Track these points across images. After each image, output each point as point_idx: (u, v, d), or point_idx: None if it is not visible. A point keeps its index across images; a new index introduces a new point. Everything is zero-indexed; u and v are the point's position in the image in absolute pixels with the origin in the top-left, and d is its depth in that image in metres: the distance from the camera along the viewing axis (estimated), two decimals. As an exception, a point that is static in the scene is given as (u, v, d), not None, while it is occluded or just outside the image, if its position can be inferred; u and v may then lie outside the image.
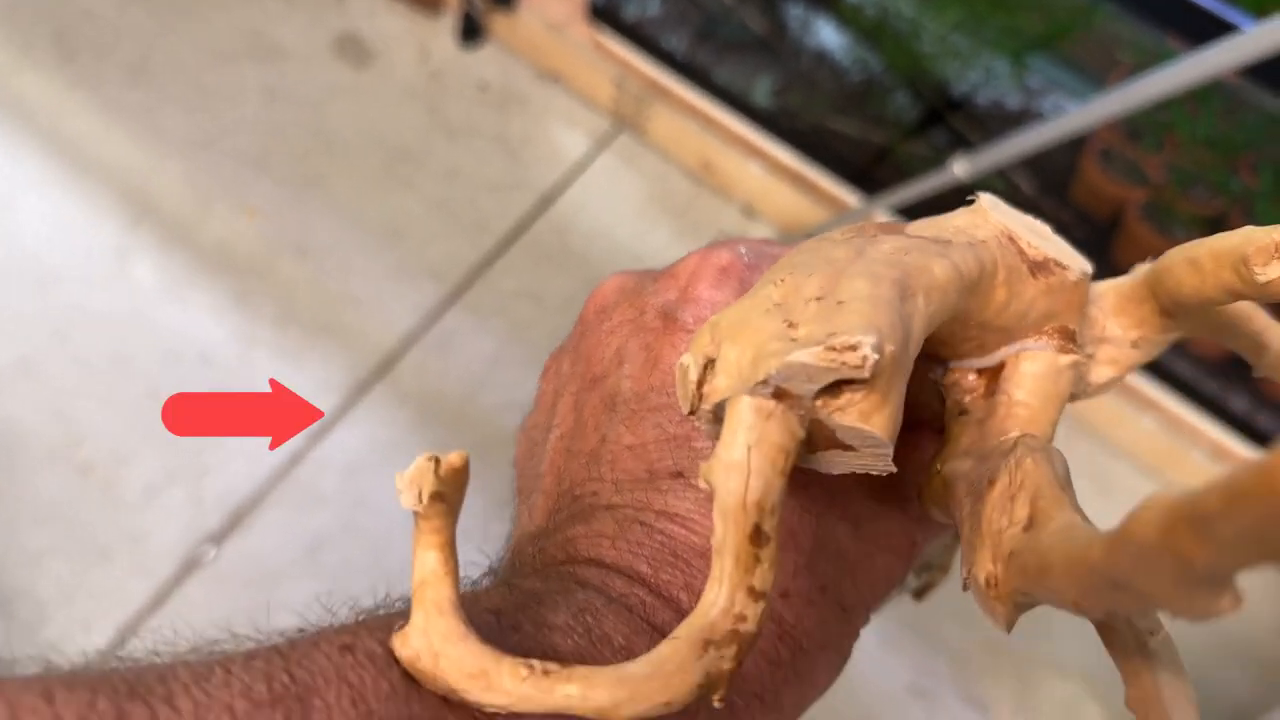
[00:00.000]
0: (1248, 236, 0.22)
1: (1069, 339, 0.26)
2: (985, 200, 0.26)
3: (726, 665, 0.19)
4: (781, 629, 0.26)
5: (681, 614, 0.23)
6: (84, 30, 1.48)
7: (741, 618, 0.19)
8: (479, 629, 0.20)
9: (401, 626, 0.20)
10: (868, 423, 0.20)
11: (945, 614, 1.25)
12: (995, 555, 0.20)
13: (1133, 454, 1.40)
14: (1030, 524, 0.19)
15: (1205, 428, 1.35)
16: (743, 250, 0.31)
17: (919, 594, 0.41)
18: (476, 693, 0.19)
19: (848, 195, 1.43)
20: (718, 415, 0.21)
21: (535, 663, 0.19)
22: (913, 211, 1.16)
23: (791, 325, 0.20)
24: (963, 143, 1.45)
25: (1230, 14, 1.02)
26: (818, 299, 0.21)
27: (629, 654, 0.22)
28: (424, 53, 1.54)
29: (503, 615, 0.22)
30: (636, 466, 0.27)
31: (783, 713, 0.26)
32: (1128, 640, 0.20)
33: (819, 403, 0.20)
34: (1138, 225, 1.36)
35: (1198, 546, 0.12)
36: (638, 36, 1.47)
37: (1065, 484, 0.20)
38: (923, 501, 0.27)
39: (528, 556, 0.27)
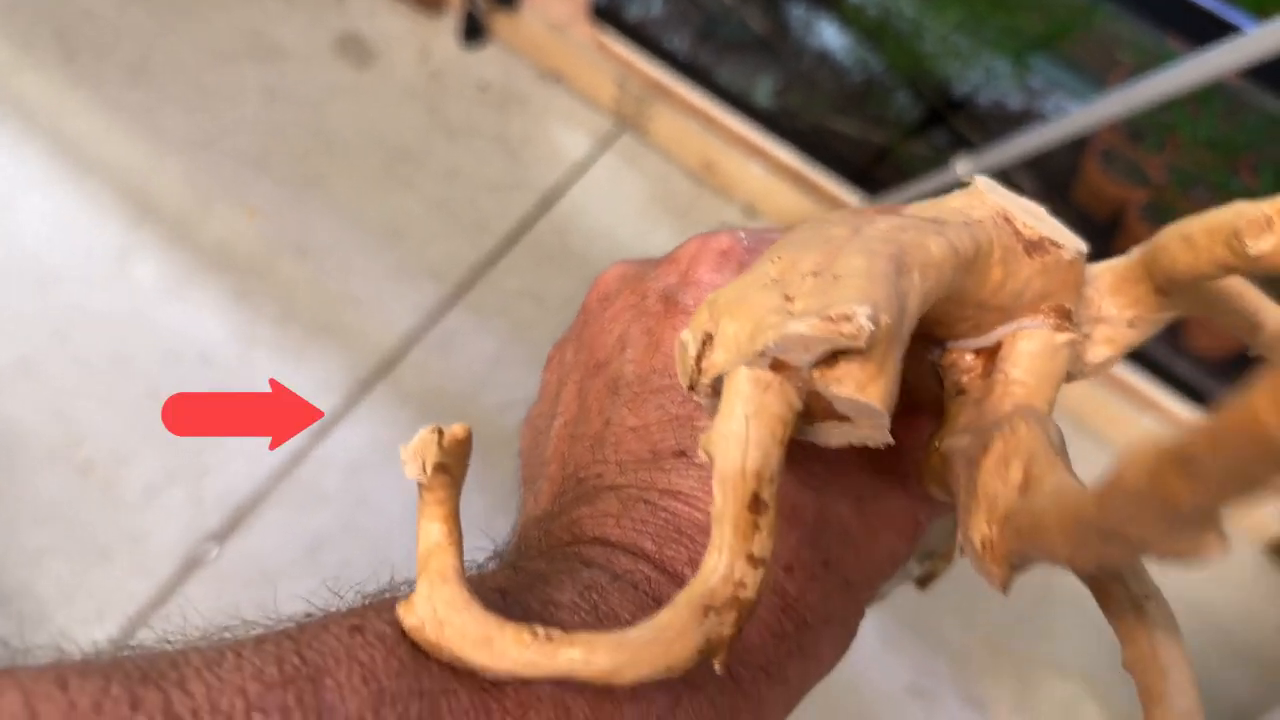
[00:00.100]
0: (1239, 211, 0.23)
1: (1065, 318, 0.26)
2: (981, 182, 0.27)
3: (726, 631, 0.19)
4: (785, 602, 0.26)
5: None
6: (84, 30, 1.48)
7: (741, 584, 0.19)
8: (486, 607, 0.20)
9: (408, 596, 0.20)
10: (864, 393, 0.20)
11: (945, 613, 1.25)
12: (990, 518, 0.20)
13: (1133, 454, 1.40)
14: (1025, 486, 0.19)
15: (1206, 428, 1.35)
16: (742, 235, 0.31)
17: (923, 583, 0.41)
18: (481, 659, 0.19)
19: (849, 195, 1.43)
20: (716, 389, 0.21)
21: (539, 628, 0.19)
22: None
23: (789, 299, 0.21)
24: (964, 143, 1.45)
25: (1231, 15, 1.03)
26: (814, 274, 0.21)
27: None
28: (425, 53, 1.54)
29: (509, 594, 0.22)
30: (640, 447, 0.28)
31: (788, 686, 0.26)
32: (1124, 604, 0.20)
33: (816, 374, 0.20)
34: (1139, 225, 1.36)
35: (1184, 487, 0.12)
36: (640, 36, 1.48)
37: (1060, 449, 0.20)
38: (922, 480, 0.27)
39: (533, 539, 0.28)
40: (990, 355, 0.27)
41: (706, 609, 0.19)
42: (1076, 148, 1.42)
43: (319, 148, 1.44)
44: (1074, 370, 0.28)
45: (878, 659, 1.22)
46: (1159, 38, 1.39)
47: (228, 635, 0.20)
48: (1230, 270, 0.23)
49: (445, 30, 1.56)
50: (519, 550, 0.28)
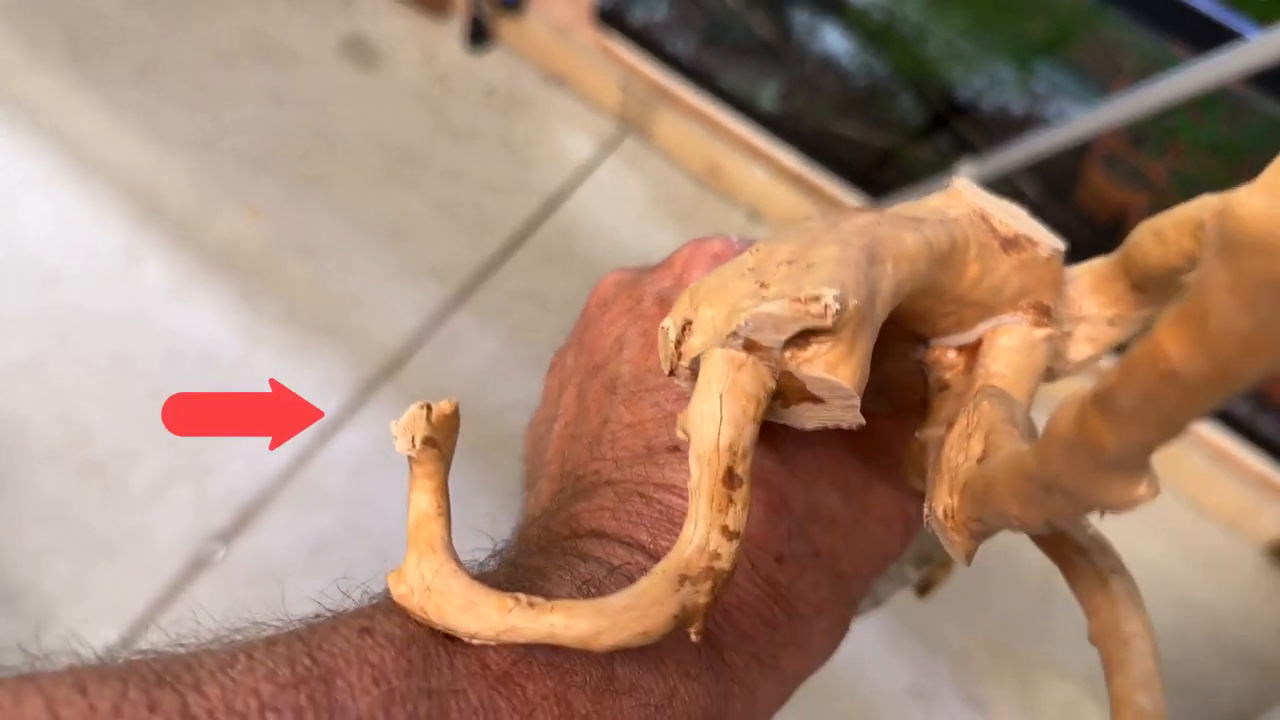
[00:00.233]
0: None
1: (1043, 314, 0.27)
2: (959, 183, 0.27)
3: (702, 600, 0.20)
4: (776, 592, 0.27)
5: None
6: (91, 31, 1.49)
7: (716, 555, 0.20)
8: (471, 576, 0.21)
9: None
10: (834, 373, 0.21)
11: (946, 614, 1.26)
12: (952, 488, 0.21)
13: (1135, 457, 1.41)
14: (983, 457, 0.20)
15: (1206, 432, 1.36)
16: (734, 239, 0.33)
17: (922, 590, 0.41)
18: (466, 624, 0.20)
19: (853, 199, 1.44)
20: (695, 372, 0.22)
21: (521, 595, 0.20)
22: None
23: (763, 286, 0.22)
24: (968, 147, 1.46)
25: (1234, 22, 1.03)
26: (789, 263, 0.22)
27: None
28: (430, 56, 1.55)
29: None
30: (635, 443, 0.29)
31: (781, 675, 0.27)
32: (1090, 579, 0.21)
33: (788, 354, 0.21)
34: (1140, 229, 1.36)
35: (1106, 428, 0.13)
36: (644, 40, 1.49)
37: (1023, 427, 0.21)
38: (905, 471, 0.28)
39: (532, 537, 0.28)
40: (972, 351, 0.28)
41: (682, 578, 0.20)
42: (1079, 152, 1.42)
43: (324, 149, 1.45)
44: (1057, 367, 0.29)
45: (879, 660, 1.22)
46: (1162, 44, 1.39)
47: (239, 637, 0.21)
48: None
49: (450, 34, 1.57)
50: (519, 548, 0.28)
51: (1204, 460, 1.37)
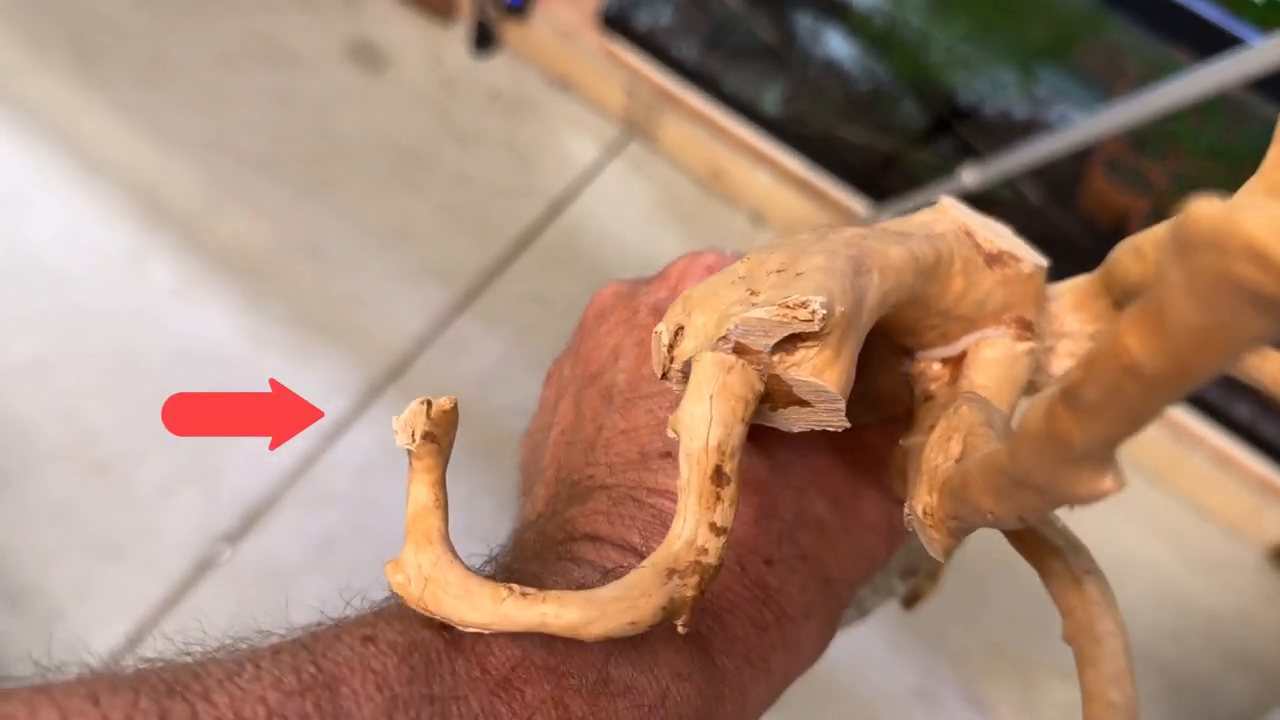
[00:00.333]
0: None
1: (1026, 328, 0.28)
2: (945, 201, 0.29)
3: (689, 593, 0.21)
4: (766, 594, 0.28)
5: None
6: (97, 33, 1.49)
7: (703, 550, 0.21)
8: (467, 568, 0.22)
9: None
10: (821, 377, 0.22)
11: (948, 616, 1.26)
12: (931, 487, 0.22)
13: (1137, 460, 1.41)
14: (961, 457, 0.21)
15: (1208, 435, 1.36)
16: (728, 252, 0.34)
17: (909, 603, 0.42)
18: (460, 612, 0.21)
19: (856, 203, 1.44)
20: (686, 374, 0.23)
21: (514, 585, 0.21)
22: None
23: (754, 293, 0.23)
24: (970, 151, 1.46)
25: (1236, 28, 1.04)
26: (779, 271, 0.23)
27: None
28: (436, 60, 1.56)
29: None
30: (629, 449, 0.29)
31: (771, 676, 0.28)
32: (1065, 579, 0.22)
33: (776, 359, 0.22)
34: (1142, 233, 1.37)
35: (1073, 422, 0.14)
36: (648, 45, 1.49)
37: (998, 428, 0.22)
38: (890, 477, 0.29)
39: (528, 542, 0.29)
40: (957, 364, 0.29)
41: (671, 572, 0.21)
42: (1081, 157, 1.43)
43: (329, 152, 1.46)
44: (1039, 380, 0.30)
45: (881, 661, 1.23)
46: (1164, 49, 1.40)
47: (244, 645, 0.21)
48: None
49: (456, 38, 1.58)
50: (514, 554, 0.29)
51: (1206, 463, 1.37)
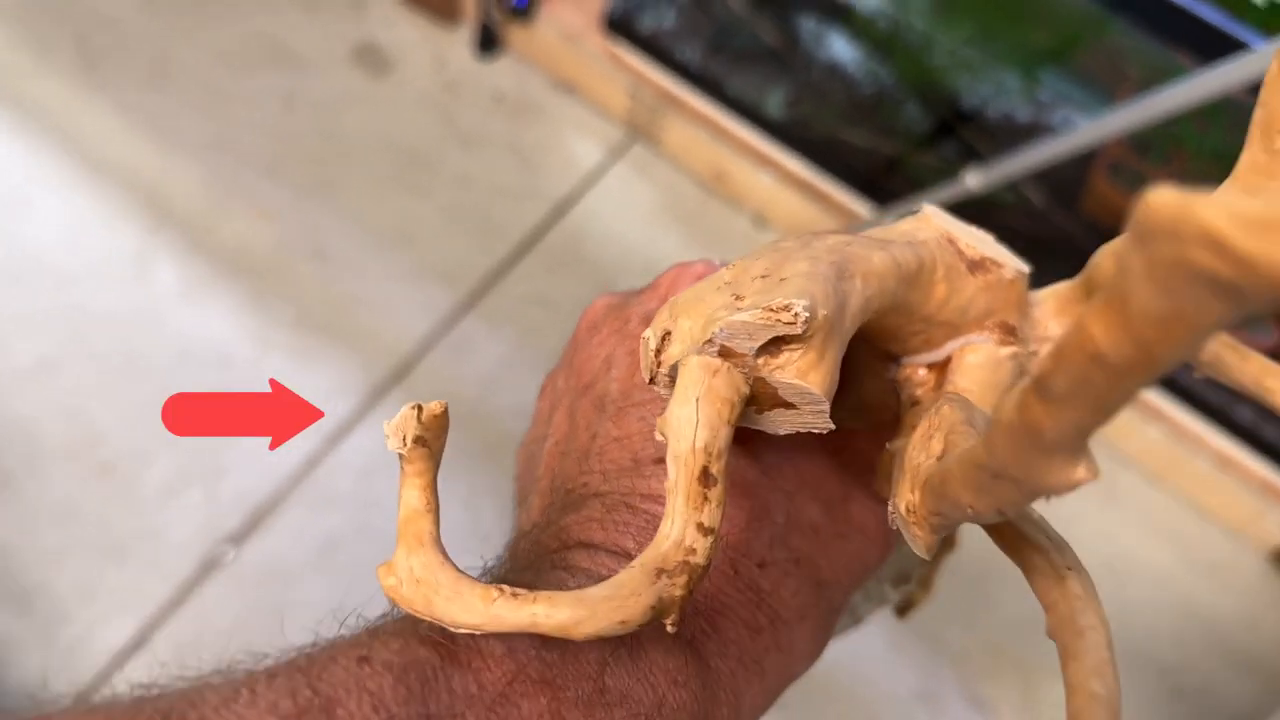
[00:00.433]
0: None
1: (1009, 333, 0.29)
2: (928, 209, 0.29)
3: (678, 592, 0.21)
4: (760, 597, 0.28)
5: None
6: (103, 35, 1.50)
7: (691, 550, 0.21)
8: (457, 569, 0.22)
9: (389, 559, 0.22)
10: (805, 379, 0.23)
11: (949, 617, 1.26)
12: (913, 485, 0.22)
13: (1139, 462, 1.41)
14: (943, 455, 0.21)
15: (1210, 437, 1.36)
16: (717, 262, 0.34)
17: (901, 610, 0.42)
18: (452, 613, 0.21)
19: (858, 206, 1.44)
20: (673, 378, 0.24)
21: (505, 586, 0.21)
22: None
23: (738, 298, 0.23)
24: (973, 155, 1.46)
25: (1239, 32, 1.04)
26: (763, 277, 0.24)
27: None
28: (441, 63, 1.57)
29: None
30: (622, 456, 0.30)
31: (765, 679, 0.28)
32: (1048, 576, 0.22)
33: (761, 361, 0.23)
34: (1144, 236, 1.37)
35: (1043, 412, 0.14)
36: (652, 48, 1.50)
37: (979, 426, 0.22)
38: (877, 480, 0.30)
39: (522, 551, 0.29)
40: (942, 369, 0.29)
41: (659, 571, 0.21)
42: (1084, 160, 1.43)
43: (334, 154, 1.46)
44: None
45: (883, 663, 1.23)
46: (1167, 53, 1.40)
47: (240, 669, 0.22)
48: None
49: (460, 41, 1.59)
50: (509, 564, 0.29)
51: (1208, 466, 1.37)
